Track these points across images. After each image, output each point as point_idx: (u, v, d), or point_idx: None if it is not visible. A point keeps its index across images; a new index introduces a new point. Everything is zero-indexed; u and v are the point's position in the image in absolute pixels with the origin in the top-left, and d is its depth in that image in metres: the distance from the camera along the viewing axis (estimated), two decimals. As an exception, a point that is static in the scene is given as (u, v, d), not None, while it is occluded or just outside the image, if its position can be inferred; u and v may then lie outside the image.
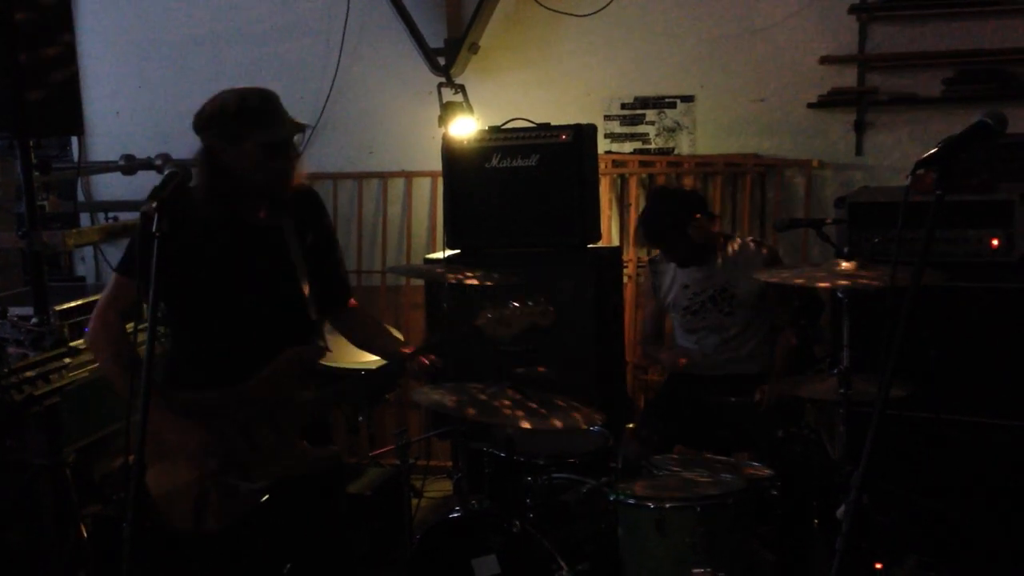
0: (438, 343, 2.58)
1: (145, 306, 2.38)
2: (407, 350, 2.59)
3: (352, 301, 2.77)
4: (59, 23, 3.28)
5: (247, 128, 2.40)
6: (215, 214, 2.45)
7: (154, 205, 2.01)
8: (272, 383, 2.50)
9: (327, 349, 2.63)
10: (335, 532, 2.74)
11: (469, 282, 3.10)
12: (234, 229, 2.50)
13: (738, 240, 3.72)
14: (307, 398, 2.53)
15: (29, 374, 3.11)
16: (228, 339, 2.52)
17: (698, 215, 3.56)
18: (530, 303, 2.52)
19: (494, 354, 3.90)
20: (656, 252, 3.87)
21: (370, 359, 4.08)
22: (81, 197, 5.17)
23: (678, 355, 3.62)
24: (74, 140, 4.96)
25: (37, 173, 3.33)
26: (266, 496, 2.49)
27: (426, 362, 2.53)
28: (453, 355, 2.76)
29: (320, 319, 2.67)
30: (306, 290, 2.57)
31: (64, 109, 3.30)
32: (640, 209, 4.65)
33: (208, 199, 2.42)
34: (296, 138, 2.50)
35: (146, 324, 2.04)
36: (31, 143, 3.28)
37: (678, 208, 3.60)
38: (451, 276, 3.14)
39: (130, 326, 2.83)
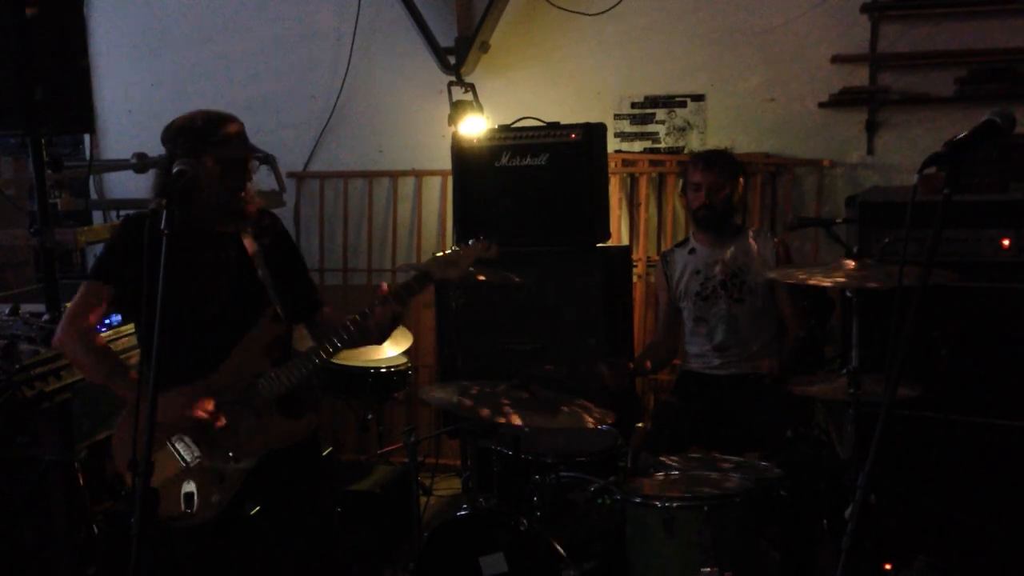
0: (399, 290, 2.65)
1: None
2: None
3: (325, 309, 2.86)
4: (71, 22, 3.30)
5: (208, 142, 2.52)
6: (182, 221, 2.50)
7: (163, 203, 2.02)
8: (241, 367, 2.59)
9: (285, 322, 2.69)
10: (322, 500, 2.83)
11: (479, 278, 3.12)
12: (198, 238, 2.59)
13: (751, 230, 3.77)
14: (278, 373, 2.61)
15: (40, 370, 3.13)
16: (195, 341, 2.58)
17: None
18: (471, 241, 2.73)
19: (504, 353, 3.92)
20: (665, 247, 3.87)
21: (378, 358, 4.11)
22: (93, 195, 5.18)
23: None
24: (86, 138, 5.00)
25: (49, 171, 3.35)
26: (256, 509, 2.59)
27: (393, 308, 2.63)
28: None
29: (292, 326, 2.77)
30: (271, 293, 2.66)
31: (76, 107, 3.32)
32: (650, 211, 4.65)
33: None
34: (252, 164, 2.64)
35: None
36: (43, 141, 3.29)
37: (736, 158, 3.78)
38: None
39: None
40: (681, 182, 3.78)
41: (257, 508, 2.62)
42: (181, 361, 2.47)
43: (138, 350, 3.15)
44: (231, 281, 2.64)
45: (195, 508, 2.49)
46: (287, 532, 2.71)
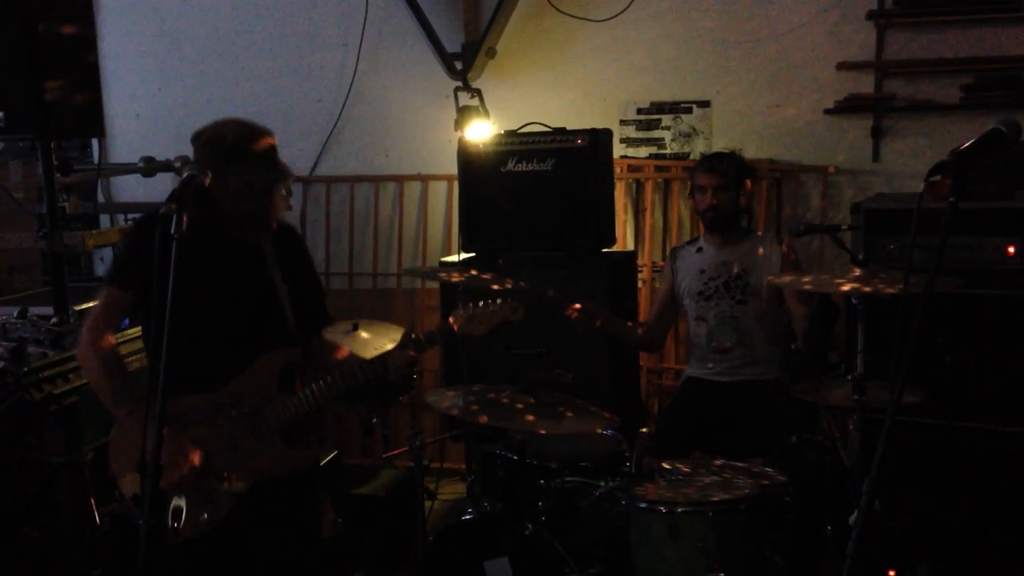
0: (420, 340, 2.65)
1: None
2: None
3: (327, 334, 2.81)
4: (80, 26, 3.32)
5: (232, 163, 2.49)
6: (200, 227, 2.49)
7: (173, 207, 2.03)
8: (250, 387, 2.57)
9: (301, 351, 2.69)
10: (315, 531, 2.80)
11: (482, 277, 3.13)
12: (217, 242, 2.58)
13: (760, 234, 3.79)
14: (286, 400, 2.59)
15: (48, 373, 3.14)
16: (208, 348, 2.57)
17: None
18: (499, 300, 2.66)
19: (509, 358, 3.92)
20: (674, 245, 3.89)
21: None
22: (101, 198, 5.21)
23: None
24: (95, 142, 5.02)
25: (58, 174, 3.37)
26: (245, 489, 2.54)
27: (410, 354, 2.63)
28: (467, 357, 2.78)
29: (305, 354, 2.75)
30: (285, 305, 2.65)
31: (86, 111, 3.34)
32: (655, 216, 4.66)
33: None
34: (278, 188, 2.59)
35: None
36: (52, 145, 3.32)
37: (743, 160, 3.80)
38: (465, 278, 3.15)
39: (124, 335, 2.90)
40: (690, 184, 3.81)
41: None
42: (190, 368, 2.47)
43: (140, 354, 3.18)
44: (246, 288, 2.63)
45: (181, 524, 2.46)
46: (277, 560, 2.68)
